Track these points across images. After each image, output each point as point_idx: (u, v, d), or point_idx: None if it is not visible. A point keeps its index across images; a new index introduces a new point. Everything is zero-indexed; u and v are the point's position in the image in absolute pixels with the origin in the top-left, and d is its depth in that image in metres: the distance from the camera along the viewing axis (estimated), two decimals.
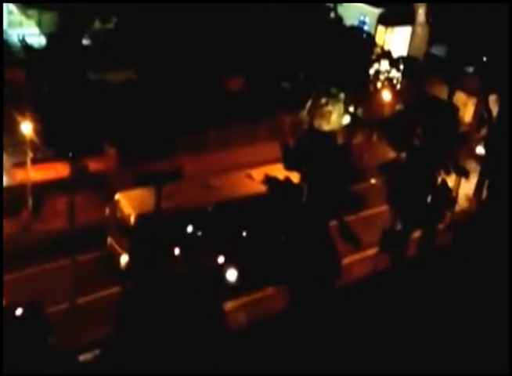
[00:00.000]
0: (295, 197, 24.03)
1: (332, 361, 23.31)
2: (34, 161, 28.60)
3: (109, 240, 27.67)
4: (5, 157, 31.50)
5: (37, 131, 27.31)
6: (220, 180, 29.03)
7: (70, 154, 28.65)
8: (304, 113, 40.83)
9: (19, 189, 28.85)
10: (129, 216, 26.28)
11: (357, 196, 24.50)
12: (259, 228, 28.18)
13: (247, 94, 39.38)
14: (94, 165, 30.88)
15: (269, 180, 24.76)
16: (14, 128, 27.90)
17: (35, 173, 28.71)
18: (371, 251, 29.24)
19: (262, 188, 26.24)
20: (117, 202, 27.28)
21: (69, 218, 28.25)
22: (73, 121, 27.18)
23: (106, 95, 28.76)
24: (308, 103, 40.66)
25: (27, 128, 27.19)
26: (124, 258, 26.07)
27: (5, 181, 30.66)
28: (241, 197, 27.94)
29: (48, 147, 28.72)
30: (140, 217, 25.78)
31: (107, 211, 28.06)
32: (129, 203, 26.80)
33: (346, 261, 26.81)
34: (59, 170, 29.94)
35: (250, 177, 29.23)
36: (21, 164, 29.35)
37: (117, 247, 27.05)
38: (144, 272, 24.50)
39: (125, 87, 34.71)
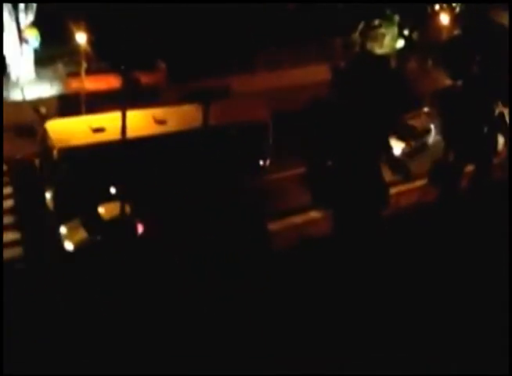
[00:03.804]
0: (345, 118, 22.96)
1: (372, 289, 23.05)
2: (88, 72, 29.01)
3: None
4: (60, 66, 32.13)
5: (91, 43, 27.50)
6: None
7: (122, 67, 28.92)
8: (355, 36, 39.74)
9: (73, 98, 29.38)
10: (52, 150, 23.44)
11: (409, 125, 24.13)
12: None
13: (299, 14, 38.36)
14: (145, 79, 31.11)
15: (336, 70, 23.69)
16: (69, 38, 28.10)
17: (88, 83, 29.10)
18: (420, 183, 28.68)
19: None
20: (45, 132, 24.16)
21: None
22: (126, 33, 27.09)
23: (160, 9, 28.42)
24: (361, 25, 39.50)
25: (81, 38, 27.36)
26: (48, 195, 24.15)
27: (60, 89, 31.40)
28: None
29: (102, 59, 28.84)
30: (63, 151, 23.15)
31: (38, 140, 25.36)
32: (55, 134, 23.66)
33: (393, 191, 26.40)
34: (111, 82, 30.12)
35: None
36: (75, 74, 29.92)
37: (42, 182, 24.68)
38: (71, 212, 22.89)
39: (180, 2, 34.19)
